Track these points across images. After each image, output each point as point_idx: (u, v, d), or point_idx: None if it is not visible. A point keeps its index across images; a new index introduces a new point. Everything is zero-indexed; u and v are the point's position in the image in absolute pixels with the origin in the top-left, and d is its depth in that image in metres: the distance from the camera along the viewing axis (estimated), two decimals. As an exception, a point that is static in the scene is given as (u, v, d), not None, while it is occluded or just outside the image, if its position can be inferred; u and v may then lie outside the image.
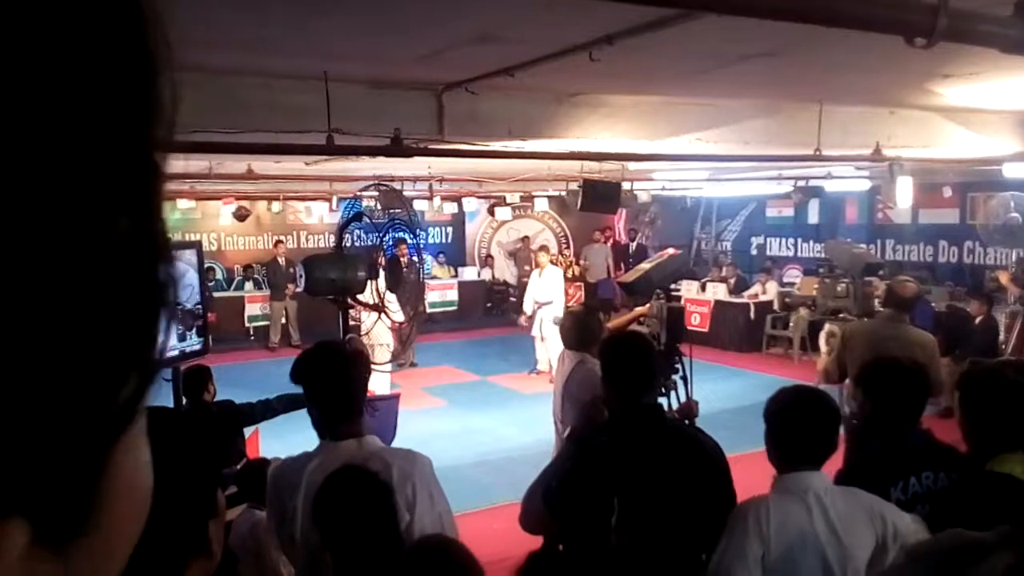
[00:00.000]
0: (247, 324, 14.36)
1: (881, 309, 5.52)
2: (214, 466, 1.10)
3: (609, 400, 2.86)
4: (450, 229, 18.05)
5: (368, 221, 4.49)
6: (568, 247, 18.57)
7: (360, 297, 4.28)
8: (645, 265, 5.56)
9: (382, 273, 4.68)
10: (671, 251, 5.72)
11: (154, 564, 1.01)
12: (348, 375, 2.52)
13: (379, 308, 4.34)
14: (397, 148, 4.39)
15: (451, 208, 16.03)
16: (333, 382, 2.50)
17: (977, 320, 9.18)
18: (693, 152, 5.81)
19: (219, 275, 15.38)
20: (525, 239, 17.67)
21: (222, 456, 1.37)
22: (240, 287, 15.15)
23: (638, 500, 2.61)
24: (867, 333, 5.20)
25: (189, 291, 5.74)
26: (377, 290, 4.33)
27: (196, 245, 6.18)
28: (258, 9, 3.09)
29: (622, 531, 2.69)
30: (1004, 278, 9.23)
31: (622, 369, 2.81)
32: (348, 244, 4.35)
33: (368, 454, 2.44)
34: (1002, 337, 8.81)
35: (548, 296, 11.22)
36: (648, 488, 2.59)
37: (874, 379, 3.09)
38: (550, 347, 10.05)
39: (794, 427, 2.39)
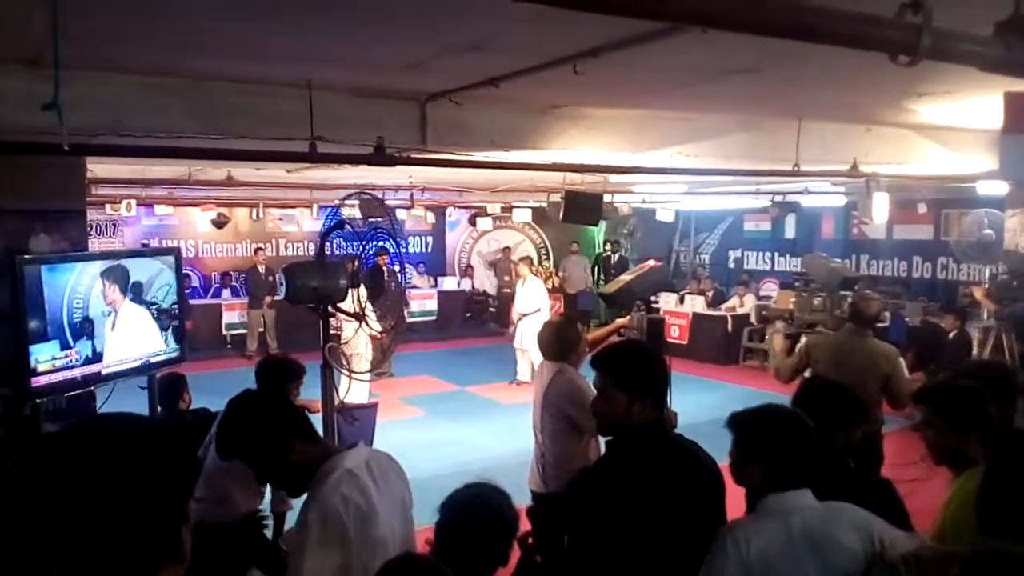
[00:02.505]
0: (224, 332, 14.24)
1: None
2: (187, 474, 1.12)
3: (625, 413, 2.62)
4: (430, 239, 18.04)
5: (350, 230, 4.48)
6: (548, 258, 18.62)
7: (341, 306, 4.26)
8: (626, 277, 5.59)
9: (363, 282, 4.66)
10: (652, 263, 5.75)
11: (128, 566, 1.02)
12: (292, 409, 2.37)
13: (360, 317, 4.33)
14: (380, 157, 4.38)
15: (431, 218, 16.02)
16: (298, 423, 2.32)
17: (951, 335, 9.29)
18: (674, 165, 5.86)
19: (196, 282, 15.25)
20: (505, 249, 17.69)
21: (195, 465, 1.34)
22: (217, 295, 15.02)
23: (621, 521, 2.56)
24: (831, 347, 5.30)
25: (166, 290, 5.70)
26: (358, 299, 4.32)
27: (175, 251, 6.16)
28: (243, 15, 3.08)
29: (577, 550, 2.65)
30: (978, 293, 9.35)
31: (659, 380, 2.69)
32: (329, 252, 4.33)
33: (377, 454, 2.41)
34: (975, 352, 8.92)
35: (532, 306, 11.25)
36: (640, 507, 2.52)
37: (804, 399, 2.94)
38: (533, 358, 10.06)
39: (779, 449, 2.32)
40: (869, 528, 2.26)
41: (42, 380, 4.71)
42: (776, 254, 15.71)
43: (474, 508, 2.32)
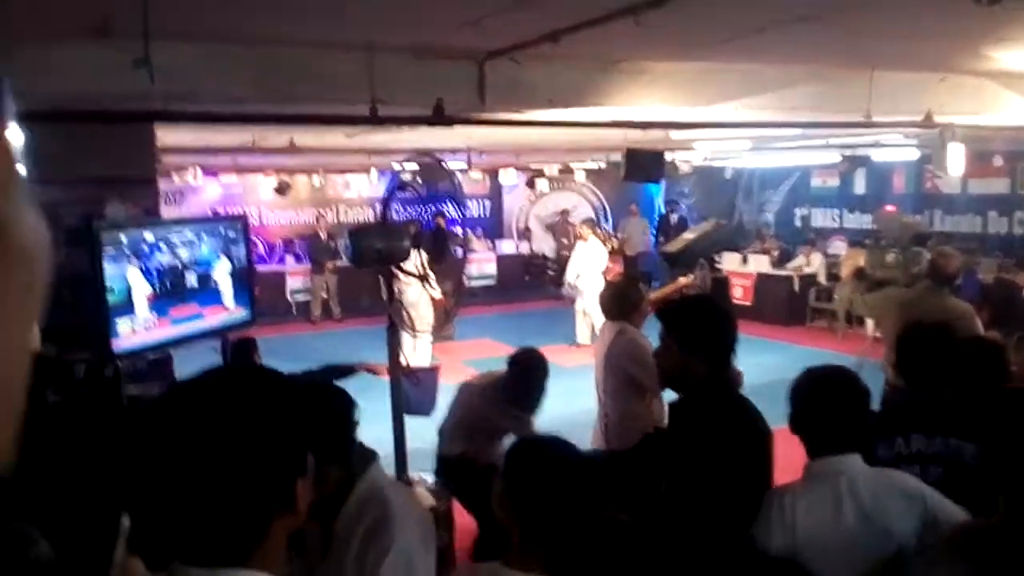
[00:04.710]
0: (289, 298, 14.54)
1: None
2: (304, 425, 1.13)
3: (690, 371, 2.58)
4: (488, 202, 18.05)
5: (413, 193, 4.52)
6: (607, 220, 18.47)
7: (404, 266, 4.31)
8: (688, 235, 5.52)
9: (425, 244, 4.70)
10: (715, 221, 5.67)
11: (240, 514, 1.05)
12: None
13: (423, 277, 4.37)
14: (440, 118, 4.39)
15: (488, 181, 16.03)
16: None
17: (1026, 292, 8.94)
18: (738, 119, 5.72)
19: (261, 249, 15.57)
20: (564, 212, 17.60)
21: (315, 417, 1.32)
22: (281, 261, 15.33)
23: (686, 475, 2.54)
24: (902, 303, 5.17)
25: (236, 261, 5.83)
26: (421, 261, 4.36)
27: (242, 218, 6.29)
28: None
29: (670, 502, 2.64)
30: (1058, 249, 8.96)
31: (715, 336, 2.61)
32: (392, 216, 4.38)
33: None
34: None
35: (594, 268, 11.22)
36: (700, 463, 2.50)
37: (901, 346, 3.00)
38: (595, 320, 10.06)
39: (822, 412, 2.28)
40: (921, 498, 2.20)
41: (123, 343, 4.88)
42: (845, 211, 15.26)
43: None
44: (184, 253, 5.40)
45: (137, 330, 4.98)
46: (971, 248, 12.23)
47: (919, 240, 8.61)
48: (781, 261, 13.73)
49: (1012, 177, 12.48)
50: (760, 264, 13.59)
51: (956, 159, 7.08)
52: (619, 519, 2.03)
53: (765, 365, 8.94)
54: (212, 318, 5.63)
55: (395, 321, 4.23)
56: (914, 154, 11.20)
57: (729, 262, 13.30)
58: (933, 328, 3.07)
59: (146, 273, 5.05)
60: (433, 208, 12.26)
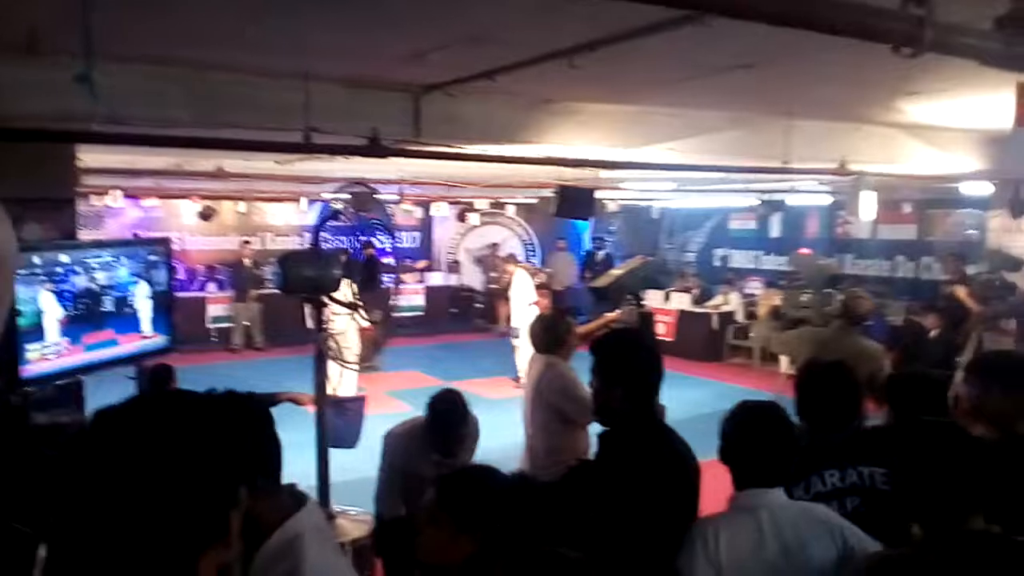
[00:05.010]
0: (209, 325, 14.16)
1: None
2: (239, 457, 1.10)
3: (610, 402, 2.62)
4: (418, 234, 18.01)
5: (344, 222, 4.50)
6: (534, 254, 18.64)
7: (335, 296, 4.26)
8: (616, 271, 5.63)
9: (355, 273, 4.66)
10: (641, 258, 5.80)
11: (171, 547, 1.02)
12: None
13: (354, 307, 4.33)
14: (375, 148, 4.39)
15: (419, 213, 16.01)
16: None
17: (932, 333, 9.37)
18: (666, 161, 5.89)
19: (182, 275, 15.13)
20: (493, 245, 17.69)
21: (248, 449, 1.27)
22: (203, 288, 14.94)
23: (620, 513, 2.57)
24: (816, 343, 5.36)
25: (156, 286, 5.67)
26: (352, 290, 4.33)
27: (164, 242, 6.14)
28: (241, 4, 3.08)
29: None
30: (962, 293, 9.43)
31: (635, 370, 2.63)
32: (323, 244, 4.33)
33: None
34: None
35: (524, 301, 11.29)
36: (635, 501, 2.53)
37: (800, 386, 3.03)
38: (521, 352, 10.10)
39: (747, 445, 2.34)
40: (840, 529, 2.27)
41: (32, 369, 4.68)
42: (762, 252, 15.79)
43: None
44: (101, 276, 5.22)
45: (48, 356, 4.78)
46: (881, 291, 12.79)
47: (832, 282, 8.97)
48: (701, 299, 14.11)
49: (920, 224, 13.13)
50: (681, 302, 13.96)
51: (868, 205, 7.43)
52: (569, 556, 2.03)
53: (686, 399, 9.12)
54: (127, 344, 5.45)
55: (322, 351, 4.17)
56: (827, 199, 11.71)
57: (652, 299, 13.58)
58: (829, 366, 3.09)
59: (60, 296, 4.87)
60: (364, 237, 12.21)
